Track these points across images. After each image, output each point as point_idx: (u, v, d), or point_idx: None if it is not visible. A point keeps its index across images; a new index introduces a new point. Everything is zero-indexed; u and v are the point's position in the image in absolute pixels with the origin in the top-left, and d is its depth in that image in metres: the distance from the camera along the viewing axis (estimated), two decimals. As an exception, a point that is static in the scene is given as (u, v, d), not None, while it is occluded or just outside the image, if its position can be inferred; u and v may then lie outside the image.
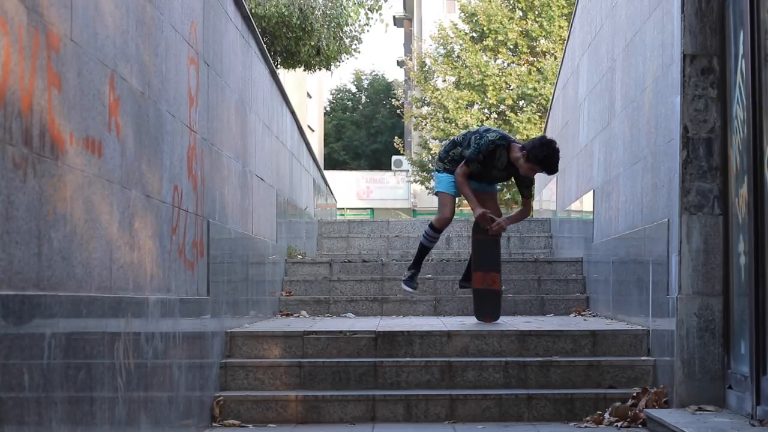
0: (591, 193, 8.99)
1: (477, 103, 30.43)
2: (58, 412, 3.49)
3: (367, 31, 20.10)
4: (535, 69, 29.59)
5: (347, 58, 17.91)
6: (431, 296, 9.23)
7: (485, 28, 30.06)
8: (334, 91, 57.23)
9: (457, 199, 8.02)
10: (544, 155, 7.37)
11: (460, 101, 29.92)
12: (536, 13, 29.60)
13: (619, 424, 5.80)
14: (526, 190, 7.78)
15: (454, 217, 8.21)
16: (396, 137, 40.11)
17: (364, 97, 56.79)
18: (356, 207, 42.06)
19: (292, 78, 28.73)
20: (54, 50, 3.53)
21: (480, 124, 29.05)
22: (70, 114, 3.69)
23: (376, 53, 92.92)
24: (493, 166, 7.60)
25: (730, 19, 5.63)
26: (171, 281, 5.17)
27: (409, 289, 8.15)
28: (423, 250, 8.05)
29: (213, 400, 6.14)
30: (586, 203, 9.43)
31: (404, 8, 52.39)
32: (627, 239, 7.26)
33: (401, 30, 54.57)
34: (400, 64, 48.98)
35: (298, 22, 15.82)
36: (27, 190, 3.27)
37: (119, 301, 4.23)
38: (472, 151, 7.55)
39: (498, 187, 8.24)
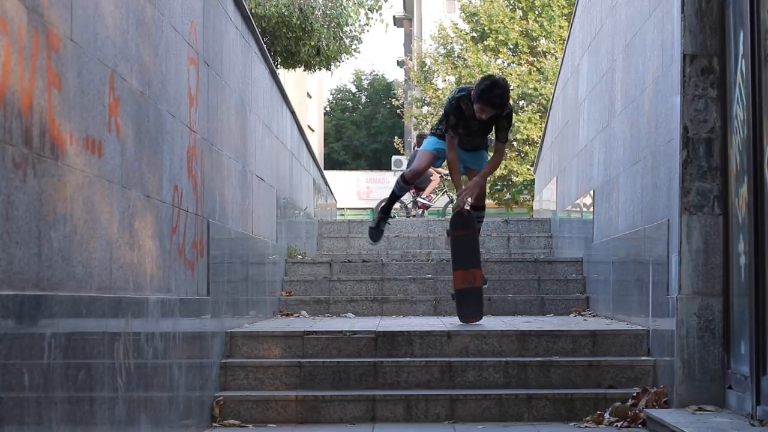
0: (591, 193, 8.99)
1: (477, 103, 30.37)
2: (58, 412, 3.49)
3: (367, 31, 20.13)
4: (535, 69, 29.61)
5: (347, 58, 17.93)
6: (431, 296, 9.22)
7: (486, 28, 30.10)
8: (334, 91, 57.27)
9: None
10: (481, 88, 7.15)
11: (461, 101, 29.91)
12: (537, 13, 29.62)
13: (619, 424, 5.80)
14: (502, 133, 7.46)
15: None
16: (396, 137, 40.12)
17: (364, 97, 56.81)
18: (356, 207, 42.04)
19: (292, 78, 28.74)
20: (54, 50, 3.53)
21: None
22: (70, 114, 3.69)
23: (376, 53, 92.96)
24: (467, 118, 7.40)
25: (730, 19, 5.63)
26: (171, 281, 5.17)
27: (371, 241, 8.21)
28: (393, 198, 8.14)
29: (213, 400, 6.14)
30: (586, 203, 9.43)
31: (404, 8, 52.41)
32: (627, 239, 7.26)
33: (401, 30, 54.60)
34: (400, 64, 49.00)
35: (298, 22, 15.84)
36: (27, 190, 3.27)
37: (119, 301, 4.23)
38: (442, 116, 7.54)
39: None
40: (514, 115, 29.45)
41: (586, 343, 6.74)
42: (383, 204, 8.27)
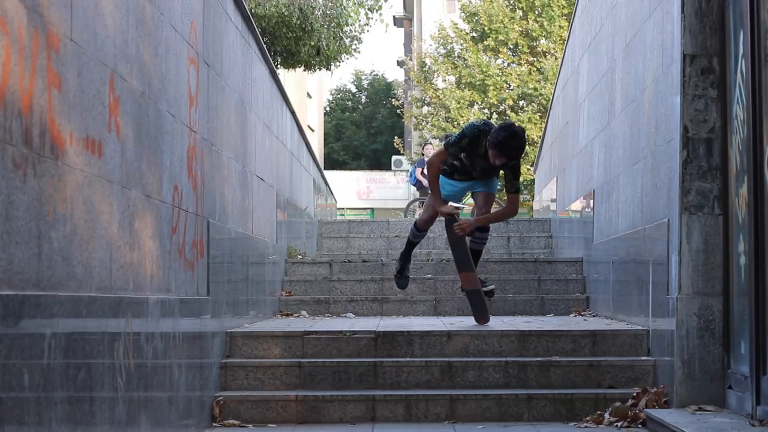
0: (591, 193, 8.99)
1: (477, 103, 30.46)
2: (58, 412, 3.49)
3: (367, 31, 20.12)
4: (535, 69, 29.62)
5: (347, 58, 17.93)
6: (431, 296, 9.22)
7: (486, 28, 30.10)
8: (334, 91, 57.25)
9: (454, 203, 7.85)
10: (498, 139, 6.96)
11: (462, 101, 29.96)
12: (537, 13, 29.63)
13: (619, 424, 5.80)
14: (510, 183, 7.31)
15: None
16: (396, 137, 40.11)
17: (364, 97, 56.81)
18: (356, 207, 42.06)
19: (292, 78, 28.74)
20: (54, 50, 3.53)
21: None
22: (70, 114, 3.69)
23: (376, 53, 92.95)
24: (476, 154, 7.28)
25: (730, 19, 5.63)
26: (171, 281, 5.17)
27: (400, 289, 8.17)
28: (410, 245, 7.99)
29: (213, 400, 6.14)
30: (586, 203, 9.43)
31: (404, 8, 52.41)
32: (627, 239, 7.26)
33: (401, 30, 54.59)
34: (400, 64, 49.00)
35: (298, 22, 15.84)
36: (27, 190, 3.27)
37: (119, 301, 4.23)
38: (457, 135, 7.35)
39: (497, 187, 7.97)
40: (514, 116, 29.56)
41: (586, 343, 6.74)
42: (402, 251, 8.07)
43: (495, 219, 7.69)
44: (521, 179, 32.07)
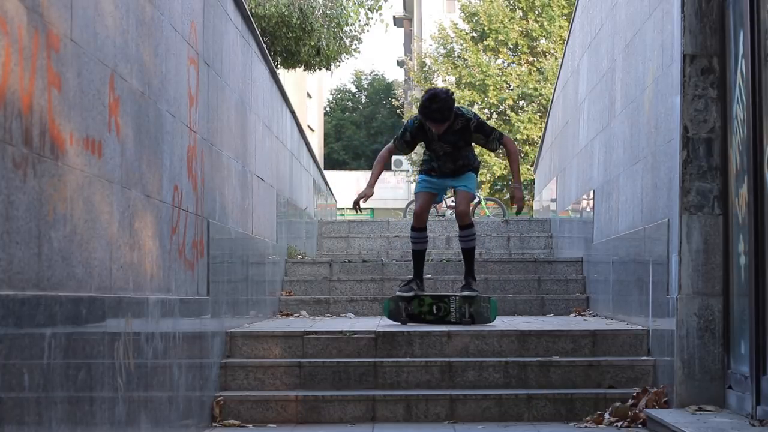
0: (591, 193, 8.99)
1: (477, 103, 30.47)
2: (58, 412, 3.49)
3: (367, 31, 20.13)
4: (535, 69, 29.63)
5: (347, 58, 17.94)
6: (431, 296, 9.21)
7: (486, 28, 30.13)
8: (334, 91, 57.27)
9: (435, 200, 7.81)
10: (420, 103, 6.93)
11: (462, 101, 30.00)
12: (537, 13, 29.66)
13: (619, 424, 5.80)
14: (488, 143, 7.32)
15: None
16: (396, 137, 40.09)
17: (364, 97, 56.82)
18: (356, 207, 41.98)
19: (292, 78, 28.74)
20: (54, 50, 3.53)
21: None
22: (70, 114, 3.69)
23: (376, 53, 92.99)
24: (432, 139, 7.27)
25: (730, 19, 5.63)
26: (171, 281, 5.17)
27: (405, 294, 7.58)
28: (418, 255, 7.71)
29: (213, 400, 6.14)
30: (586, 203, 9.43)
31: (404, 8, 52.44)
32: (627, 239, 7.26)
33: (401, 30, 54.61)
34: (400, 64, 49.02)
35: (298, 22, 15.84)
36: (27, 190, 3.27)
37: (119, 301, 4.23)
38: (401, 129, 7.42)
39: (476, 185, 7.79)
40: (514, 116, 29.55)
41: (586, 343, 6.74)
42: (413, 267, 7.75)
43: (517, 168, 7.54)
44: (521, 179, 32.03)
